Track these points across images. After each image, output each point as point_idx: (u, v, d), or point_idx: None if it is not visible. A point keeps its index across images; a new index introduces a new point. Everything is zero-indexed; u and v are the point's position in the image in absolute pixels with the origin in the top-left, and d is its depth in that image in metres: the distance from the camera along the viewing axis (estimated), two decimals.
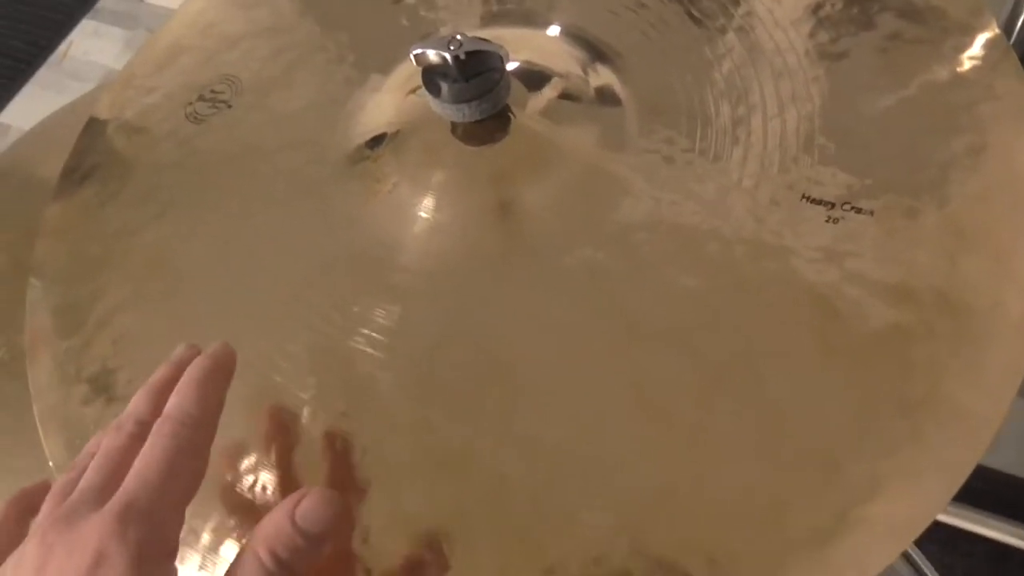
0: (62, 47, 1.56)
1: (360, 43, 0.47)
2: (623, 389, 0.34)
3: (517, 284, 0.37)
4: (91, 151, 0.48)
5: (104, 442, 0.32)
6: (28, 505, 0.36)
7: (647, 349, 0.35)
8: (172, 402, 0.32)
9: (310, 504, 0.30)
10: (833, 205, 0.36)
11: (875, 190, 0.37)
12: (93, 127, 0.48)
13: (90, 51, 1.54)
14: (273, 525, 0.30)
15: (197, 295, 0.41)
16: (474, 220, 0.39)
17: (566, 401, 0.34)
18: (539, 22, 0.45)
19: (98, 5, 1.59)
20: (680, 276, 0.36)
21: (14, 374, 0.60)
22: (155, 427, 0.31)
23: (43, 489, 0.33)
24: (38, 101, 1.51)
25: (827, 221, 0.36)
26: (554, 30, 0.44)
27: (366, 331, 0.37)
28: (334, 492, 0.31)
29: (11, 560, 0.29)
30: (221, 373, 0.34)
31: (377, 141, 0.41)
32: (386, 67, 0.45)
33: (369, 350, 0.37)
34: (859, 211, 0.36)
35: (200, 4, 0.51)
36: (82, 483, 0.30)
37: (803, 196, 0.37)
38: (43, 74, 1.54)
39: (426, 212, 0.39)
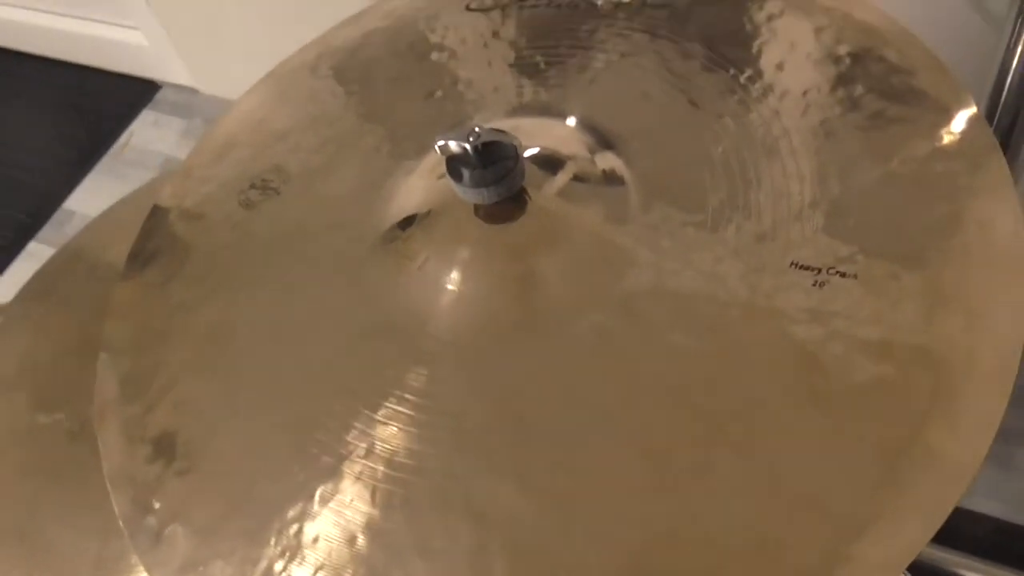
0: (124, 137, 1.65)
1: (395, 134, 0.52)
2: (629, 440, 0.38)
3: (534, 347, 0.41)
4: (154, 236, 0.53)
5: None
6: None
7: (651, 404, 0.38)
8: None
9: None
10: (819, 270, 0.40)
11: (858, 256, 0.40)
12: (156, 214, 0.54)
13: (150, 140, 1.63)
14: None
15: (249, 362, 0.45)
16: (495, 291, 0.43)
17: (578, 452, 0.38)
18: (556, 112, 0.49)
19: (157, 96, 1.68)
20: (680, 338, 0.40)
21: (81, 441, 0.65)
22: None
23: None
24: (101, 188, 1.60)
25: (814, 285, 0.40)
26: (571, 120, 0.48)
27: (398, 392, 0.41)
28: None
29: None
30: None
31: (408, 222, 0.46)
32: (419, 154, 0.50)
33: (401, 409, 0.41)
34: (843, 275, 0.40)
35: (252, 102, 0.57)
36: None
37: (792, 263, 0.40)
38: (106, 162, 1.63)
39: (453, 284, 0.44)
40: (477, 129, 0.40)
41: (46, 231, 1.58)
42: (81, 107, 1.72)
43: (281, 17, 1.31)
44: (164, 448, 0.44)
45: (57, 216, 1.59)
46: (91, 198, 1.59)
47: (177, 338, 0.48)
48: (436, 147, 0.41)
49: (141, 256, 0.53)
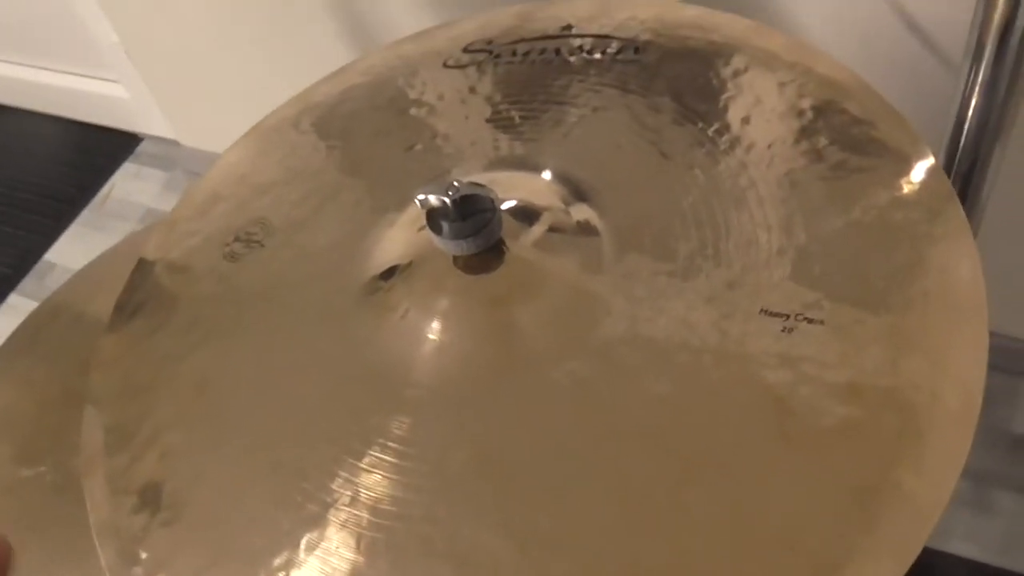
0: (105, 189, 1.66)
1: (375, 187, 0.53)
2: (606, 483, 0.39)
3: (513, 394, 0.43)
4: (140, 288, 0.54)
5: None
6: None
7: (627, 447, 0.40)
8: None
9: None
10: (788, 316, 0.41)
11: (824, 302, 0.42)
12: (142, 267, 0.55)
13: (131, 192, 1.64)
14: None
15: (235, 412, 0.46)
16: (475, 340, 0.45)
17: (557, 494, 0.39)
18: (532, 165, 0.51)
19: (138, 148, 1.70)
20: (654, 383, 0.41)
21: (65, 493, 0.65)
22: None
23: None
24: (82, 240, 1.61)
25: (783, 331, 0.41)
26: (547, 174, 0.50)
27: (382, 440, 0.42)
28: None
29: None
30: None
31: (390, 273, 0.47)
32: (399, 207, 0.51)
33: (385, 456, 0.42)
34: (811, 321, 0.41)
35: (234, 157, 0.58)
36: None
37: (761, 310, 0.42)
38: (87, 214, 1.64)
39: (433, 334, 0.45)
40: (456, 183, 0.42)
41: (27, 283, 1.58)
42: (62, 159, 1.74)
43: (261, 71, 1.33)
44: (150, 499, 0.45)
45: (38, 268, 1.59)
46: (72, 250, 1.60)
47: (163, 389, 0.49)
48: (416, 201, 0.43)
49: (127, 308, 0.54)
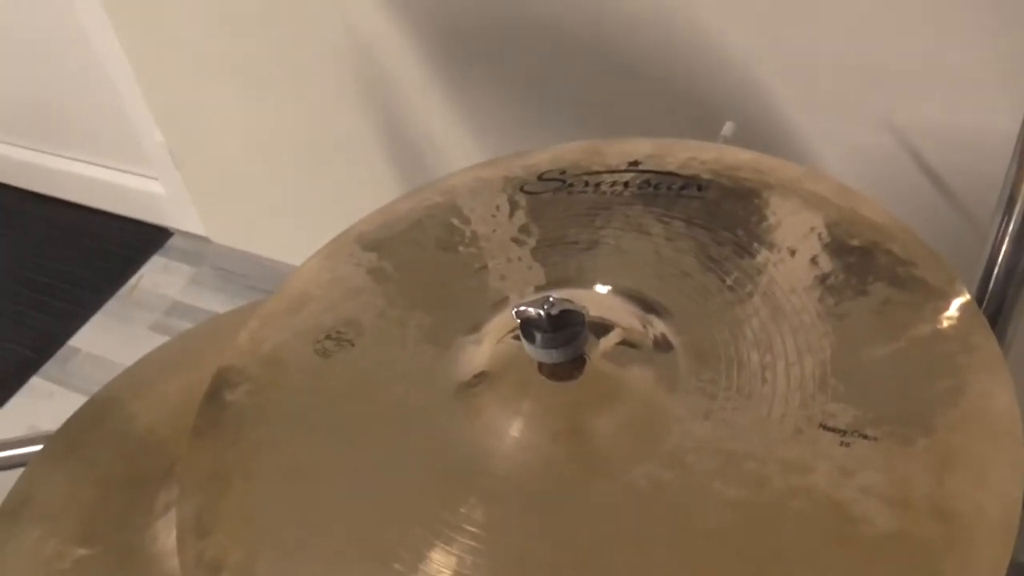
0: (133, 280, 1.71)
1: (450, 304, 0.58)
2: None
3: (589, 492, 0.47)
4: (231, 376, 0.58)
5: None
6: None
7: (697, 545, 0.44)
8: None
9: None
10: (845, 432, 0.46)
11: (877, 421, 0.46)
12: (234, 355, 0.59)
13: (159, 284, 1.69)
14: None
15: (326, 500, 0.50)
16: (554, 440, 0.49)
17: None
18: (589, 285, 0.56)
19: (168, 243, 1.75)
20: (724, 488, 0.45)
21: (122, 572, 0.68)
22: None
23: None
24: (108, 328, 1.65)
25: (840, 445, 0.46)
26: (604, 289, 0.55)
27: (468, 527, 0.46)
28: None
29: None
30: None
31: (478, 378, 0.52)
32: (475, 321, 0.56)
33: (470, 542, 0.46)
34: (865, 437, 0.46)
35: (317, 263, 0.63)
36: None
37: (820, 425, 0.47)
38: (113, 304, 1.69)
39: (516, 433, 0.49)
40: (551, 298, 0.47)
41: (49, 367, 1.61)
42: (93, 249, 1.79)
43: (295, 180, 1.40)
44: None
45: (62, 353, 1.63)
46: (97, 337, 1.64)
47: (255, 476, 0.52)
48: (513, 312, 0.48)
49: (218, 394, 0.58)
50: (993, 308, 0.59)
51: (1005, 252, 0.57)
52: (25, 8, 1.54)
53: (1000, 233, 0.56)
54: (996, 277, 0.58)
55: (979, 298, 0.59)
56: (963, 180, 0.84)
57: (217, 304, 1.62)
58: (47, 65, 1.62)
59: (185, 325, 1.55)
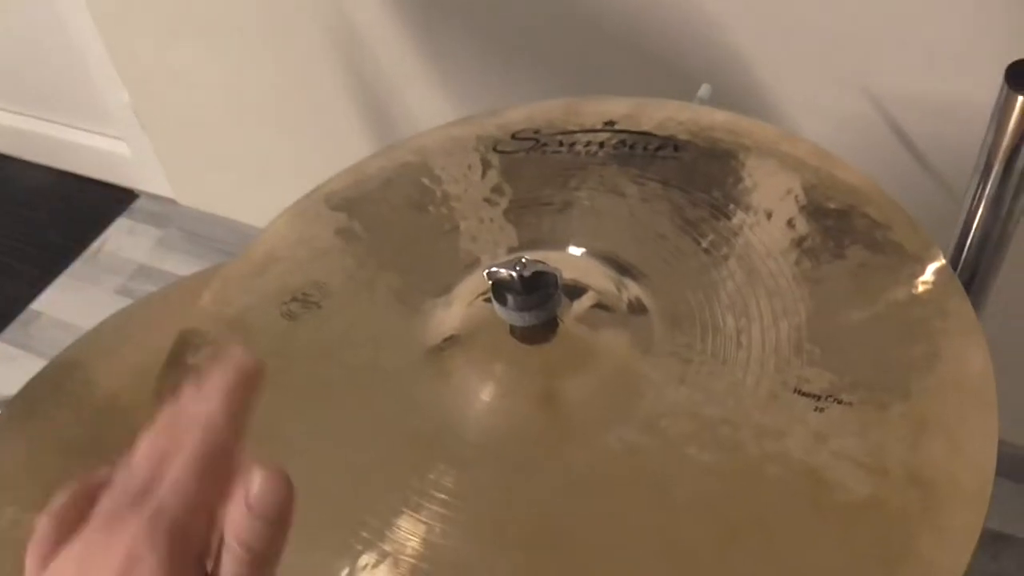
0: (97, 242, 1.68)
1: (421, 264, 0.57)
2: (653, 544, 0.42)
3: (562, 457, 0.46)
4: (194, 339, 0.57)
5: (145, 442, 0.32)
6: (92, 497, 0.33)
7: (672, 511, 0.43)
8: (200, 409, 0.32)
9: (259, 491, 0.31)
10: (819, 397, 0.46)
11: (852, 386, 0.46)
12: (196, 318, 0.57)
13: (124, 247, 1.66)
14: (237, 515, 0.30)
15: (295, 464, 0.49)
16: (527, 404, 0.48)
17: (606, 554, 0.42)
18: (563, 247, 0.55)
19: (134, 204, 1.72)
20: (699, 453, 0.45)
21: None
22: (184, 433, 0.32)
23: (105, 481, 0.33)
24: (71, 291, 1.62)
25: (815, 410, 0.45)
26: (579, 251, 0.54)
27: (438, 494, 0.45)
28: (279, 471, 0.32)
29: (62, 555, 0.31)
30: (247, 381, 0.34)
31: (449, 341, 0.50)
32: (446, 283, 0.54)
33: (439, 509, 0.45)
34: (840, 402, 0.45)
35: (284, 223, 0.62)
36: (126, 484, 0.31)
37: (795, 390, 0.46)
38: (77, 266, 1.65)
39: (487, 397, 0.48)
40: (524, 259, 0.46)
41: (11, 331, 1.58)
42: (57, 211, 1.75)
43: (265, 141, 1.38)
44: None
45: (24, 316, 1.60)
46: (60, 300, 1.61)
47: None
48: (485, 273, 0.47)
49: (180, 358, 0.56)
50: (968, 274, 0.58)
51: (980, 218, 0.56)
52: None
53: (976, 199, 0.56)
54: (971, 243, 0.58)
55: (954, 263, 0.59)
56: (940, 147, 0.84)
57: (184, 267, 1.59)
58: (10, 23, 1.57)
59: (152, 288, 1.52)
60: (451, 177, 0.61)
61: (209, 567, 0.31)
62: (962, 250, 0.58)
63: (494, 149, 0.61)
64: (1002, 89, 0.51)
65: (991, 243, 0.56)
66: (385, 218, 0.60)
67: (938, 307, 0.49)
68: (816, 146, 0.57)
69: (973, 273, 0.58)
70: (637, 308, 0.50)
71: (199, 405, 0.32)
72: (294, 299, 0.56)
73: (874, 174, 0.56)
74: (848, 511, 0.42)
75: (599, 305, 0.50)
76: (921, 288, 0.50)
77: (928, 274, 0.51)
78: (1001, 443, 0.44)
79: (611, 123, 0.60)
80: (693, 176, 0.56)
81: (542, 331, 0.48)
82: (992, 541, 1.02)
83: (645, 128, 0.60)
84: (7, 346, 1.56)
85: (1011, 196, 0.54)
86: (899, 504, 0.42)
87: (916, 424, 0.45)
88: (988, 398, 0.45)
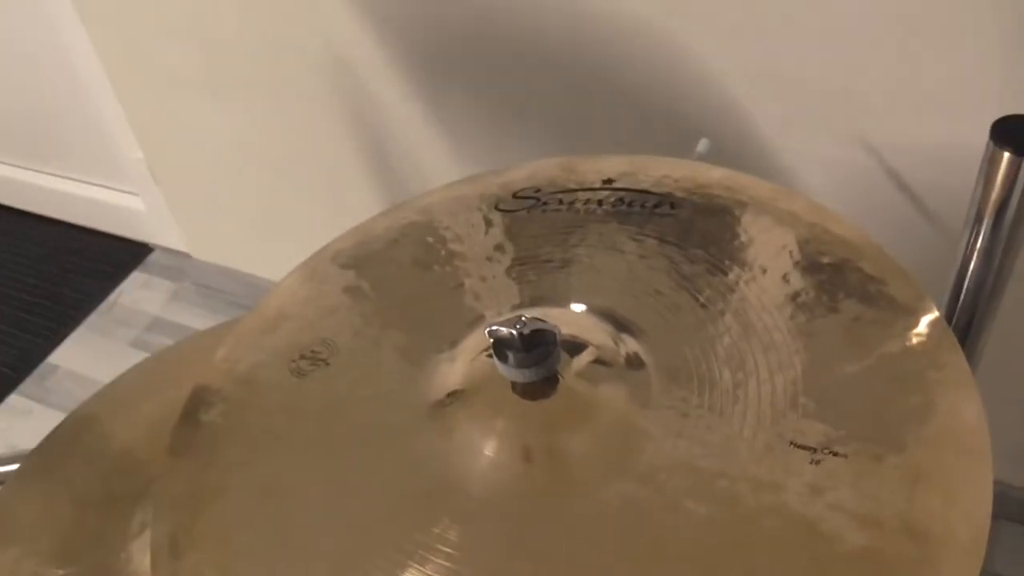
0: (112, 296, 1.70)
1: (426, 322, 0.58)
2: None
3: (563, 510, 0.47)
4: (207, 396, 0.58)
5: None
6: None
7: (670, 563, 0.44)
8: None
9: None
10: (815, 450, 0.47)
11: (847, 439, 0.47)
12: (209, 375, 0.59)
13: (139, 300, 1.68)
14: None
15: (300, 518, 0.50)
16: (528, 460, 0.49)
17: None
18: (563, 303, 0.56)
19: (148, 258, 1.75)
20: (695, 506, 0.45)
21: None
22: None
23: None
24: (87, 344, 1.64)
25: (810, 463, 0.46)
26: (578, 307, 0.56)
27: (441, 547, 0.46)
28: None
29: None
30: None
31: (452, 396, 0.52)
32: (450, 340, 0.56)
33: (443, 563, 0.46)
34: (835, 454, 0.46)
35: (295, 281, 0.63)
36: None
37: (791, 443, 0.47)
38: (92, 320, 1.68)
39: (490, 451, 0.49)
40: (524, 318, 0.47)
41: (27, 385, 1.60)
42: (71, 265, 1.78)
43: (274, 189, 1.40)
44: None
45: (40, 370, 1.62)
46: (76, 354, 1.63)
47: (229, 495, 0.52)
48: (486, 331, 0.48)
49: (193, 415, 0.58)
50: (963, 323, 0.60)
51: (974, 267, 0.57)
52: (2, 24, 1.54)
53: (968, 249, 0.57)
54: (966, 292, 0.59)
55: (949, 313, 0.60)
56: (935, 195, 0.85)
57: (198, 320, 1.61)
58: (25, 80, 1.61)
59: (166, 341, 1.54)
60: (455, 236, 0.63)
61: None
62: (957, 300, 0.59)
63: (496, 208, 0.63)
64: (988, 145, 0.53)
65: (984, 294, 0.58)
66: (392, 276, 0.62)
67: (932, 359, 0.50)
68: (811, 201, 0.59)
69: (969, 322, 0.59)
70: (635, 363, 0.51)
71: None
72: (303, 356, 0.58)
73: (872, 224, 0.57)
74: (844, 562, 0.43)
75: (598, 360, 0.51)
76: (915, 340, 0.51)
77: (922, 326, 0.52)
78: (1009, 487, 0.45)
79: (609, 181, 0.62)
80: (690, 233, 0.58)
81: (542, 387, 0.50)
82: None
83: (643, 186, 0.61)
84: (24, 399, 1.58)
85: (1002, 249, 0.55)
86: (895, 555, 0.43)
87: (911, 475, 0.46)
88: (982, 449, 0.46)
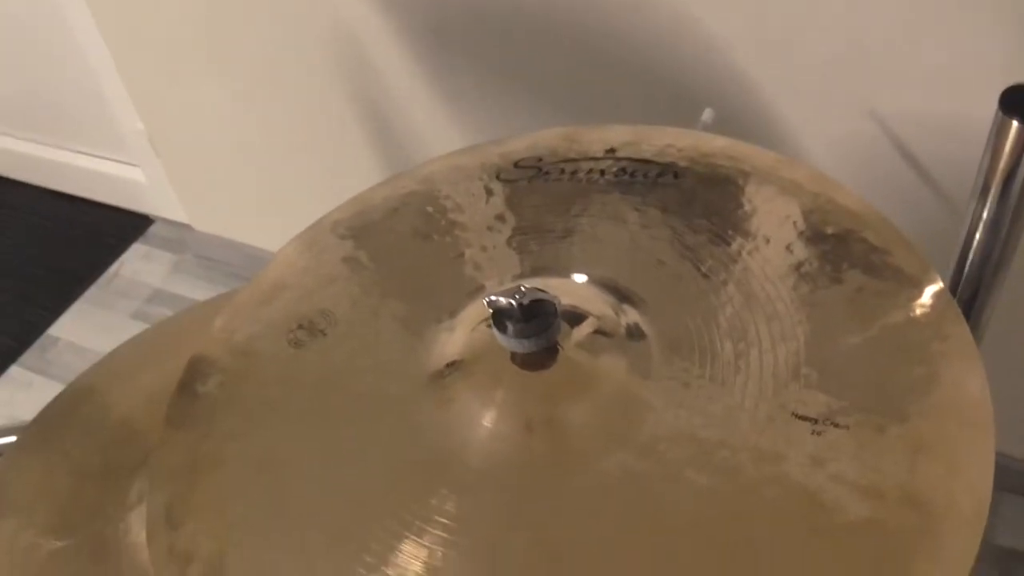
0: (113, 268, 1.70)
1: (425, 292, 0.58)
2: (652, 567, 0.43)
3: (562, 482, 0.47)
4: (204, 367, 0.58)
5: None
6: None
7: (671, 534, 0.44)
8: None
9: None
10: (816, 421, 0.46)
11: (849, 409, 0.46)
12: (206, 346, 0.58)
13: (140, 272, 1.68)
14: None
15: (298, 489, 0.50)
16: (528, 430, 0.49)
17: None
18: (564, 273, 0.56)
19: (149, 230, 1.74)
20: (696, 476, 0.45)
21: (98, 563, 0.68)
22: None
23: None
24: (87, 317, 1.64)
25: (812, 433, 0.46)
26: (580, 277, 0.55)
27: (440, 519, 0.46)
28: None
29: None
30: None
31: (451, 366, 0.51)
32: (450, 310, 0.55)
33: (441, 534, 0.46)
34: (837, 426, 0.46)
35: (293, 250, 0.63)
36: None
37: (792, 414, 0.46)
38: (93, 292, 1.68)
39: (489, 422, 0.49)
40: (523, 288, 0.47)
41: (28, 356, 1.60)
42: (73, 237, 1.77)
43: (275, 161, 1.39)
44: (215, 569, 0.48)
45: (41, 342, 1.62)
46: (76, 326, 1.63)
47: (227, 465, 0.52)
48: (485, 301, 0.47)
49: (190, 386, 0.57)
50: (967, 295, 0.59)
51: (979, 239, 0.57)
52: None
53: (974, 220, 0.56)
54: (971, 263, 0.58)
55: (954, 284, 0.60)
56: (942, 167, 0.84)
57: (199, 292, 1.61)
58: (27, 53, 1.60)
59: (167, 313, 1.54)
60: (455, 205, 0.62)
61: None
62: (962, 272, 0.59)
63: (497, 177, 0.62)
64: (996, 114, 0.52)
65: (990, 265, 0.57)
66: (391, 246, 0.61)
67: (936, 330, 0.50)
68: (815, 171, 0.58)
69: (973, 294, 0.59)
70: (636, 333, 0.51)
71: None
72: (300, 327, 0.57)
73: (878, 193, 0.56)
74: (845, 533, 0.43)
75: (598, 331, 0.50)
76: (919, 311, 0.51)
77: (926, 297, 0.51)
78: (1011, 459, 0.44)
79: (612, 150, 0.61)
80: (693, 203, 0.57)
81: (542, 357, 0.49)
82: (1004, 557, 1.02)
83: (646, 155, 0.60)
84: (25, 371, 1.58)
85: (1009, 219, 0.54)
86: (896, 526, 0.43)
87: (913, 447, 0.45)
88: (985, 420, 0.46)
